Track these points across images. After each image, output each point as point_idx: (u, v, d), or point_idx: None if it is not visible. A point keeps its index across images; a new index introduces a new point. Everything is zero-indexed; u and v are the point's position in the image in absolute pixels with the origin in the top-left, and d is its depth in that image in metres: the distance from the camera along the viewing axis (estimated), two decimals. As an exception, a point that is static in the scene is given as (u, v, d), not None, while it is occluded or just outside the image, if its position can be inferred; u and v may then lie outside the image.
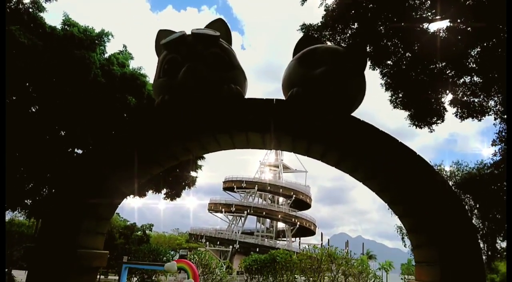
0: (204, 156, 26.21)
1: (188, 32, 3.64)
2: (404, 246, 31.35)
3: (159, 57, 3.74)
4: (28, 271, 3.33)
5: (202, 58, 3.48)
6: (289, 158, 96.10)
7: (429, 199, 3.33)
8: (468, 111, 13.17)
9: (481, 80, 12.59)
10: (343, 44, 10.89)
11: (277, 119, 3.57)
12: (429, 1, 12.07)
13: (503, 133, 12.05)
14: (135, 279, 26.63)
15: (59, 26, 18.33)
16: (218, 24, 3.75)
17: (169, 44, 3.56)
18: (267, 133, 3.65)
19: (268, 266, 28.27)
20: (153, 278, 27.99)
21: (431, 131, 12.28)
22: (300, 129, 3.56)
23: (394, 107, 12.91)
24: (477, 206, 24.88)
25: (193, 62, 3.44)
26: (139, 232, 60.74)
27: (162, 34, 3.76)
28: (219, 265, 29.19)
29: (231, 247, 68.75)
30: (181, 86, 3.43)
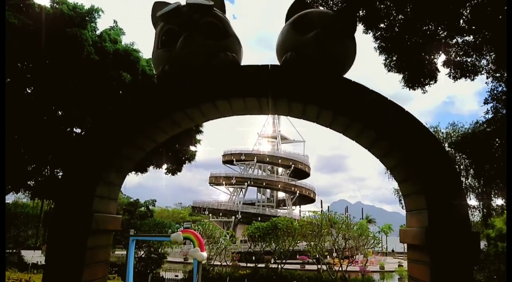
0: (202, 129, 26.45)
1: (183, 2, 3.77)
2: (402, 208, 32.14)
3: (156, 29, 3.87)
4: (48, 236, 3.61)
5: (198, 27, 3.63)
6: (286, 128, 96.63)
7: (418, 151, 3.58)
8: (461, 71, 13.23)
9: (473, 40, 12.62)
10: (335, 9, 10.86)
11: (272, 84, 3.76)
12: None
13: (495, 92, 12.23)
14: (142, 252, 27.36)
15: (48, 5, 18.06)
16: (212, -6, 3.86)
17: (165, 16, 3.69)
18: (263, 98, 3.85)
19: (270, 233, 29.09)
20: (159, 250, 28.71)
21: (424, 93, 12.41)
22: (295, 92, 3.76)
23: (388, 71, 12.99)
24: (473, 165, 25.33)
25: (189, 31, 3.59)
26: (143, 208, 61.77)
27: (158, 6, 3.88)
28: (223, 234, 30.01)
29: (233, 217, 70.25)
30: (180, 56, 3.60)
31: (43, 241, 41.85)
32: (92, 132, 3.95)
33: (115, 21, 22.00)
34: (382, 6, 12.73)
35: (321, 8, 7.22)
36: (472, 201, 29.74)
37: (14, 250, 34.07)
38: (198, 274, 18.97)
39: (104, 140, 3.70)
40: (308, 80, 3.71)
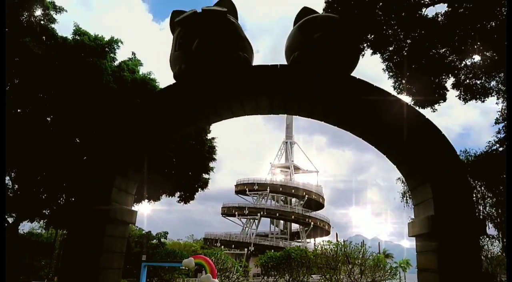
0: (215, 157, 26.67)
1: (199, 9, 4.10)
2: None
3: (174, 34, 4.20)
4: (69, 224, 3.80)
5: (213, 31, 3.94)
6: (299, 159, 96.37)
7: (422, 142, 3.72)
8: (471, 93, 13.45)
9: (481, 62, 12.86)
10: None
11: (282, 82, 4.00)
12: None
13: (505, 111, 12.29)
14: (154, 280, 27.09)
15: (70, 36, 19.06)
16: (225, 2, 4.21)
17: (182, 21, 4.03)
18: (273, 96, 4.08)
19: (284, 263, 28.54)
20: (171, 280, 28.35)
21: (434, 111, 12.60)
22: (302, 89, 3.99)
23: (398, 94, 13.25)
24: (489, 193, 24.82)
25: (204, 34, 3.90)
26: (155, 240, 61.41)
27: (176, 14, 4.23)
28: (236, 265, 29.51)
29: (246, 250, 69.03)
30: (196, 56, 3.89)
31: (55, 272, 41.69)
32: (115, 132, 4.20)
33: (133, 53, 22.97)
34: (390, 31, 13.22)
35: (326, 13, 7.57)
36: (491, 231, 28.81)
37: (28, 279, 33.95)
38: (210, 301, 18.62)
39: (125, 137, 3.94)
40: (314, 78, 3.94)
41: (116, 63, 20.83)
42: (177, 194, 27.44)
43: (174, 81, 4.17)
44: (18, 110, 20.05)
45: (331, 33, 3.85)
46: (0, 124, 4.31)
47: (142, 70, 22.15)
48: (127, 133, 3.89)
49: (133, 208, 4.32)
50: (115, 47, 19.90)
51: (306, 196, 79.47)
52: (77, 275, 3.53)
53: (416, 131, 3.76)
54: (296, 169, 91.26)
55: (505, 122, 12.43)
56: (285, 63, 4.42)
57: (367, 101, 3.90)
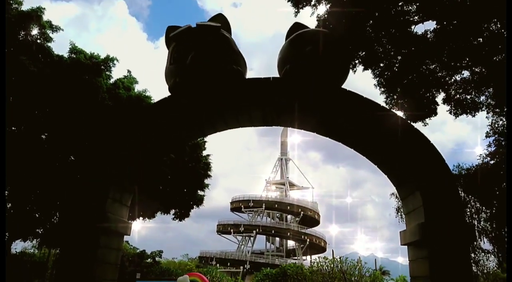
0: (210, 174, 26.62)
1: (194, 25, 4.24)
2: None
3: (169, 49, 4.33)
4: (63, 234, 3.82)
5: (207, 45, 4.06)
6: (294, 175, 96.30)
7: (412, 155, 3.82)
8: (461, 108, 13.70)
9: (471, 77, 13.16)
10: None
11: (274, 94, 4.11)
12: (415, 6, 12.80)
13: (496, 125, 12.53)
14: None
15: (66, 55, 19.24)
16: (219, 18, 4.36)
17: (177, 36, 4.16)
18: (267, 108, 4.19)
19: (280, 280, 28.18)
20: (166, 300, 27.84)
21: (425, 125, 12.80)
22: (294, 101, 4.10)
23: (390, 109, 13.45)
24: (483, 207, 24.89)
25: (199, 48, 4.02)
26: (149, 259, 60.52)
27: (171, 29, 4.36)
28: (231, 282, 29.09)
29: (241, 267, 68.18)
30: (190, 69, 4.01)
31: (47, 293, 40.73)
32: (110, 142, 4.26)
33: (128, 71, 23.13)
34: (380, 48, 13.53)
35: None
36: (486, 245, 28.75)
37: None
38: (205, 319, 18.28)
39: (120, 147, 4.01)
40: (306, 90, 4.07)
41: (112, 81, 20.97)
42: (172, 211, 27.25)
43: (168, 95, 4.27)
44: (13, 128, 20.03)
45: (322, 47, 3.99)
46: (0, 121, 4.37)
47: (138, 87, 22.32)
48: (122, 144, 3.96)
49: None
50: (111, 65, 20.08)
51: (302, 212, 79.13)
52: (72, 287, 3.53)
53: (406, 141, 3.87)
54: (291, 185, 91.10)
55: (496, 136, 12.65)
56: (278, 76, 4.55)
57: (358, 113, 4.01)
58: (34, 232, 27.91)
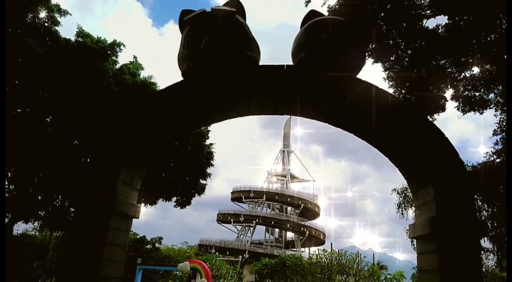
0: (213, 163, 26.65)
1: (208, 9, 4.18)
2: (414, 249, 31.13)
3: (183, 33, 4.27)
4: (74, 215, 3.83)
5: (221, 30, 4.01)
6: (296, 167, 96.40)
7: (426, 148, 3.78)
8: (469, 105, 13.59)
9: (480, 74, 13.03)
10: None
11: (288, 83, 4.07)
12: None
13: (503, 123, 12.44)
14: (148, 285, 26.82)
15: (73, 38, 19.16)
16: (234, 2, 4.29)
17: (192, 20, 4.10)
18: (279, 96, 4.15)
19: (279, 271, 28.39)
20: (165, 286, 28.08)
21: (433, 121, 12.70)
22: (307, 90, 4.05)
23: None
24: (484, 204, 24.84)
25: (213, 33, 3.97)
26: (149, 245, 61.02)
27: (185, 13, 4.30)
28: (230, 272, 29.34)
29: (240, 257, 68.70)
30: (204, 54, 3.96)
31: (48, 274, 41.16)
32: (122, 125, 4.23)
33: (135, 57, 23.07)
34: (391, 41, 13.39)
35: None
36: (486, 244, 28.79)
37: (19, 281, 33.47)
38: (204, 306, 18.48)
39: (132, 130, 3.99)
40: (320, 79, 4.01)
41: (118, 66, 20.91)
42: (174, 198, 27.37)
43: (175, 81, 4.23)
44: (18, 110, 20.05)
45: (338, 35, 3.93)
46: (0, 121, 4.33)
47: (143, 74, 22.26)
48: (135, 127, 3.94)
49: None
50: (117, 50, 20.00)
51: (302, 204, 79.38)
52: (79, 266, 3.54)
53: (420, 134, 3.83)
54: (293, 177, 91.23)
55: (503, 134, 12.57)
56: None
57: (374, 104, 3.96)
58: (36, 214, 28.14)
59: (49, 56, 17.74)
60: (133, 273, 23.05)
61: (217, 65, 3.99)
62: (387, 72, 12.98)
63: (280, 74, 4.08)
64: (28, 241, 34.30)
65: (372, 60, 12.81)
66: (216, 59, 3.97)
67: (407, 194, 29.15)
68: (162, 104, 4.03)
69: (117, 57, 20.51)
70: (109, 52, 19.59)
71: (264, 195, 78.99)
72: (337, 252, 32.25)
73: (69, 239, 3.71)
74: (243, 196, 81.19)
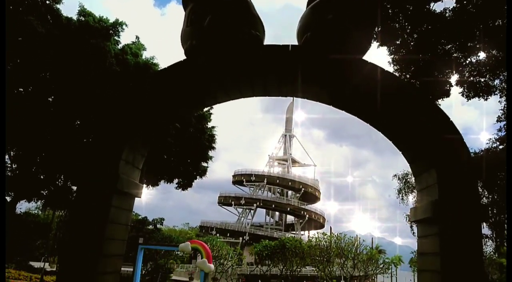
0: (215, 146, 26.65)
1: (213, -14, 4.09)
2: (413, 234, 31.40)
3: (186, 10, 4.19)
4: (77, 193, 3.84)
5: (225, 7, 3.93)
6: (297, 152, 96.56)
7: (430, 131, 3.74)
8: (474, 91, 13.46)
9: (486, 60, 12.86)
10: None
11: (292, 63, 4.01)
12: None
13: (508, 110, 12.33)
14: (148, 265, 27.28)
15: (74, 17, 18.92)
16: (239, -20, 4.19)
17: (196, -3, 4.01)
18: (283, 76, 4.09)
19: (278, 252, 28.79)
20: (165, 266, 28.56)
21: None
22: (312, 71, 3.99)
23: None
24: (485, 191, 24.87)
25: (217, 11, 3.90)
26: (151, 226, 61.75)
27: (189, -10, 4.21)
28: (231, 251, 29.76)
29: (241, 238, 69.55)
30: (207, 32, 3.90)
31: (51, 253, 41.85)
32: (125, 104, 4.20)
33: (137, 37, 22.83)
34: (397, 25, 13.17)
35: None
36: (485, 230, 29.01)
37: (23, 258, 34.03)
38: (205, 285, 18.82)
39: (135, 109, 3.96)
40: (326, 59, 3.95)
41: (120, 46, 20.71)
42: (176, 180, 27.51)
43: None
44: (20, 89, 19.98)
45: (345, 15, 3.85)
46: (0, 121, 4.30)
47: (145, 54, 22.07)
48: (137, 105, 3.91)
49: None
50: (119, 30, 19.78)
51: (303, 189, 79.82)
52: (82, 244, 3.57)
53: (425, 118, 3.79)
54: (294, 162, 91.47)
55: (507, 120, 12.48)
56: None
57: (379, 86, 3.91)
58: (39, 194, 28.38)
59: (50, 35, 17.56)
60: (135, 252, 23.41)
61: (221, 43, 3.92)
62: (392, 56, 12.81)
63: (285, 54, 4.02)
64: (31, 219, 34.86)
65: (378, 43, 12.63)
66: (219, 37, 3.90)
67: (408, 179, 29.26)
68: (165, 83, 3.99)
69: (119, 37, 20.30)
70: (111, 31, 19.37)
71: (265, 179, 79.36)
72: (336, 236, 32.62)
73: (72, 217, 3.73)
74: (244, 180, 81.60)
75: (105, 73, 18.91)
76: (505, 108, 12.87)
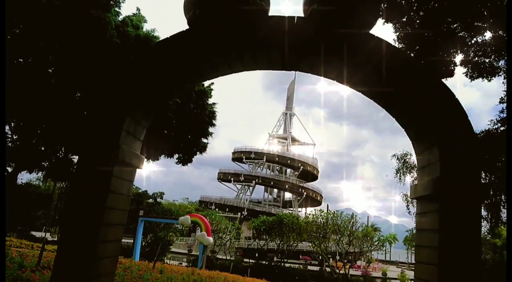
0: (215, 123, 26.58)
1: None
2: (409, 213, 31.71)
3: (190, -21, 4.07)
4: (78, 162, 3.85)
5: (230, -25, 3.82)
6: (297, 130, 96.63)
7: (435, 108, 3.70)
8: (478, 71, 13.31)
9: (492, 40, 12.66)
10: None
11: (298, 35, 3.92)
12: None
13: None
14: (148, 238, 27.77)
15: (74, -14, 18.47)
16: None
17: (199, -36, 3.89)
18: (288, 49, 4.02)
19: (276, 228, 29.26)
20: (165, 238, 29.08)
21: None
22: (320, 44, 3.92)
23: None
24: (484, 174, 25.01)
25: (221, -21, 3.79)
26: (151, 200, 62.51)
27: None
28: (229, 226, 30.23)
29: (239, 214, 70.62)
30: (211, 1, 3.80)
31: (52, 224, 42.50)
32: (125, 74, 4.14)
33: (138, 9, 22.45)
34: (403, 1, 12.90)
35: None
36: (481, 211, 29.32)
37: (24, 228, 34.61)
38: (204, 258, 19.26)
39: (135, 79, 3.91)
40: (333, 32, 3.87)
41: (120, 18, 20.36)
42: (176, 155, 27.59)
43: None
44: (20, 59, 19.76)
45: (352, -13, 3.74)
46: (0, 120, 4.24)
47: (146, 27, 21.72)
48: (136, 75, 3.86)
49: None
50: (120, 1, 19.39)
51: (301, 167, 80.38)
52: (83, 212, 3.60)
53: (431, 94, 3.75)
54: (294, 140, 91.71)
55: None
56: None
57: (385, 60, 3.84)
58: (40, 165, 28.56)
59: (51, 5, 17.21)
60: (136, 224, 23.82)
61: (224, 13, 3.83)
62: (397, 33, 12.61)
63: (291, 26, 3.93)
64: (32, 190, 35.20)
65: (383, 20, 12.41)
66: (223, 6, 3.81)
67: (407, 160, 29.40)
68: (166, 53, 3.92)
69: (120, 9, 19.95)
70: (112, 2, 18.98)
71: (265, 156, 79.84)
72: (333, 213, 33.08)
73: (73, 186, 3.75)
74: (244, 157, 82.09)
75: (106, 46, 18.66)
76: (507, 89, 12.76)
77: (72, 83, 20.97)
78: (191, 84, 4.51)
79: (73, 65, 19.37)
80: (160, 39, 17.45)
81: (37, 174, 32.62)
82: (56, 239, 28.66)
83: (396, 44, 12.61)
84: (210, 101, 25.98)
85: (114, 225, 3.90)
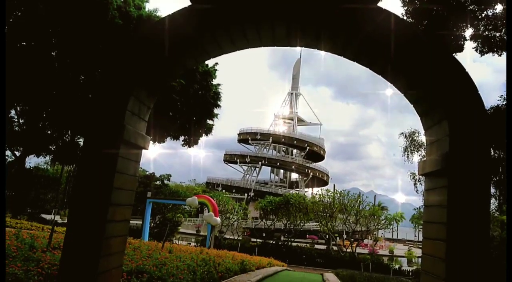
0: (220, 104, 26.44)
1: None
2: (416, 191, 31.68)
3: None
4: (83, 144, 3.83)
5: None
6: (303, 110, 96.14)
7: (445, 82, 3.61)
8: (488, 46, 13.00)
9: (503, 13, 12.30)
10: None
11: (303, 8, 3.81)
12: None
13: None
14: (157, 219, 28.14)
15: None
16: None
17: None
18: (292, 24, 3.91)
19: (283, 208, 29.47)
20: (173, 219, 29.44)
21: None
22: (327, 17, 3.81)
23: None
24: (492, 150, 24.83)
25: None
26: (158, 182, 63.08)
27: None
28: (237, 207, 30.52)
29: (246, 195, 71.22)
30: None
31: (61, 207, 43.20)
32: (127, 52, 4.07)
33: (139, -12, 22.06)
34: (411, -26, 12.51)
35: None
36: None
37: (34, 211, 35.16)
38: (211, 238, 19.53)
39: (138, 57, 3.84)
40: (338, 4, 3.75)
41: (122, -2, 20.08)
42: (182, 138, 27.65)
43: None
44: (23, 43, 19.66)
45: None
46: (0, 119, 4.18)
47: (148, 7, 21.43)
48: (139, 53, 3.79)
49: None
50: (121, -20, 19.07)
51: (308, 147, 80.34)
52: (91, 193, 3.60)
53: (440, 68, 3.64)
54: (300, 120, 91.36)
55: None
56: None
57: (394, 34, 3.72)
58: (47, 149, 28.79)
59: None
60: (144, 206, 24.14)
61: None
62: (406, 7, 12.29)
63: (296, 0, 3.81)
64: (40, 174, 35.66)
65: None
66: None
67: (414, 138, 29.18)
68: (169, 30, 3.84)
69: (121, -12, 19.61)
70: (113, -18, 18.66)
71: (271, 137, 79.80)
72: (340, 193, 33.20)
73: (80, 168, 3.75)
74: (249, 138, 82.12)
75: (108, 27, 18.48)
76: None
77: (75, 66, 20.90)
78: (195, 62, 4.44)
79: (76, 48, 19.25)
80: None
81: (44, 157, 32.99)
82: (65, 221, 29.19)
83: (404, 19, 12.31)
84: (215, 82, 25.79)
85: (122, 205, 3.90)
